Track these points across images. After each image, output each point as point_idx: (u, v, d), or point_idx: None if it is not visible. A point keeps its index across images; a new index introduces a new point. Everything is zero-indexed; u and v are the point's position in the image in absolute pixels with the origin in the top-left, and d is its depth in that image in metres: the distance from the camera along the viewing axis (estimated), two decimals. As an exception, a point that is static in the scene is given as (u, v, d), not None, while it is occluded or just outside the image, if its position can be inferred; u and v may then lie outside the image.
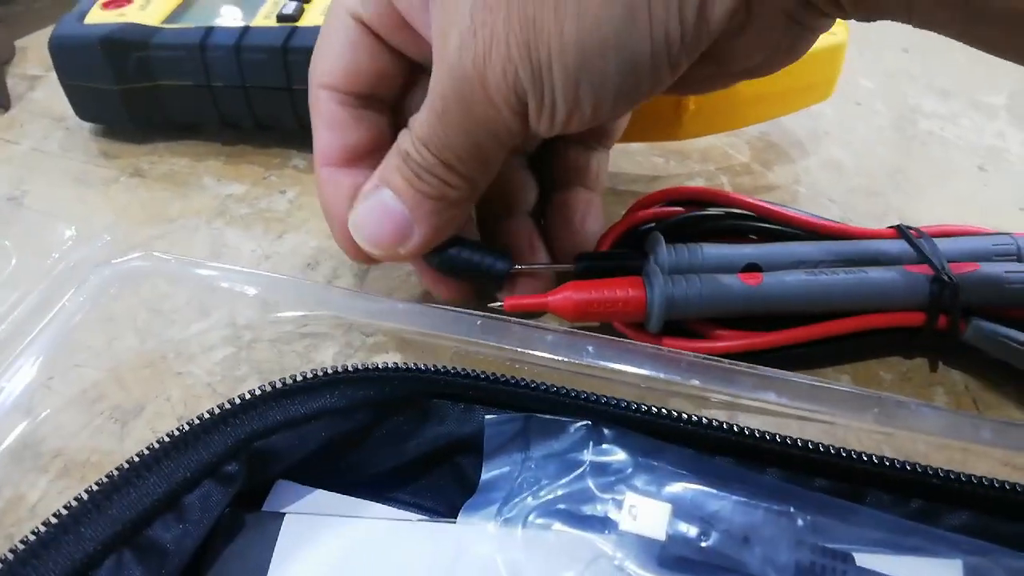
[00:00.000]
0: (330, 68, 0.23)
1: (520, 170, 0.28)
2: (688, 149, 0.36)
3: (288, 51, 0.32)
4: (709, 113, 0.32)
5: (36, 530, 0.17)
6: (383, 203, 0.22)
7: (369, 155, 0.24)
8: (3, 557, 0.17)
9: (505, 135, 0.20)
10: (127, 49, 0.32)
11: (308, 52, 0.31)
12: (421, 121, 0.21)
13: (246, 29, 0.32)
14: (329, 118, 0.24)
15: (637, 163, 0.36)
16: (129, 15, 0.33)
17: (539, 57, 0.18)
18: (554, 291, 0.25)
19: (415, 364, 0.21)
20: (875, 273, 0.25)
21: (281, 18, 0.32)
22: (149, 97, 0.33)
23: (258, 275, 0.24)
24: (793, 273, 0.25)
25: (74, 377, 0.25)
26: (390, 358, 0.26)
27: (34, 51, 0.41)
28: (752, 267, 0.26)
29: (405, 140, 0.22)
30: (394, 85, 0.24)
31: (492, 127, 0.20)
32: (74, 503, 0.17)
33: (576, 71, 0.18)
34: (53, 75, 0.34)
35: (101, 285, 0.23)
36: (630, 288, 0.25)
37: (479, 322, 0.23)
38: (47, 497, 0.23)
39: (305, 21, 0.32)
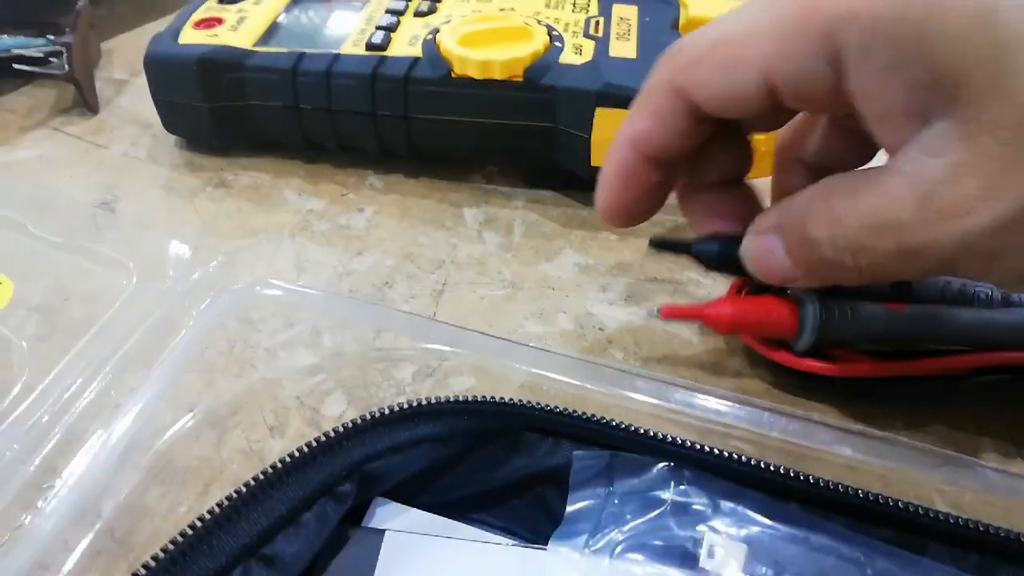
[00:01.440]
0: (699, 79, 0.22)
1: (741, 140, 0.27)
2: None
3: (376, 79, 0.33)
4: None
5: (175, 540, 0.19)
6: (773, 253, 0.22)
7: (670, 158, 0.24)
8: (145, 564, 0.18)
9: None
10: (221, 70, 0.34)
11: (394, 81, 0.33)
12: (859, 230, 0.20)
13: (336, 56, 0.34)
14: (661, 112, 0.23)
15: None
16: (222, 36, 0.34)
17: None
18: (711, 303, 0.26)
19: (511, 399, 0.22)
20: (1015, 313, 0.26)
21: (370, 47, 0.34)
22: (237, 115, 0.35)
23: (359, 305, 0.26)
24: (937, 306, 0.26)
25: (174, 384, 0.27)
26: (464, 381, 0.28)
27: (119, 55, 0.43)
28: (900, 289, 0.27)
29: (817, 226, 0.21)
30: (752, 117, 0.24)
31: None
32: (207, 516, 0.19)
33: None
34: (138, 80, 0.36)
35: (219, 311, 0.25)
36: (784, 310, 0.26)
37: (556, 359, 0.24)
38: (160, 501, 0.24)
39: (392, 50, 0.34)
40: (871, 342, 0.27)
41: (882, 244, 0.20)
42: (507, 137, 0.34)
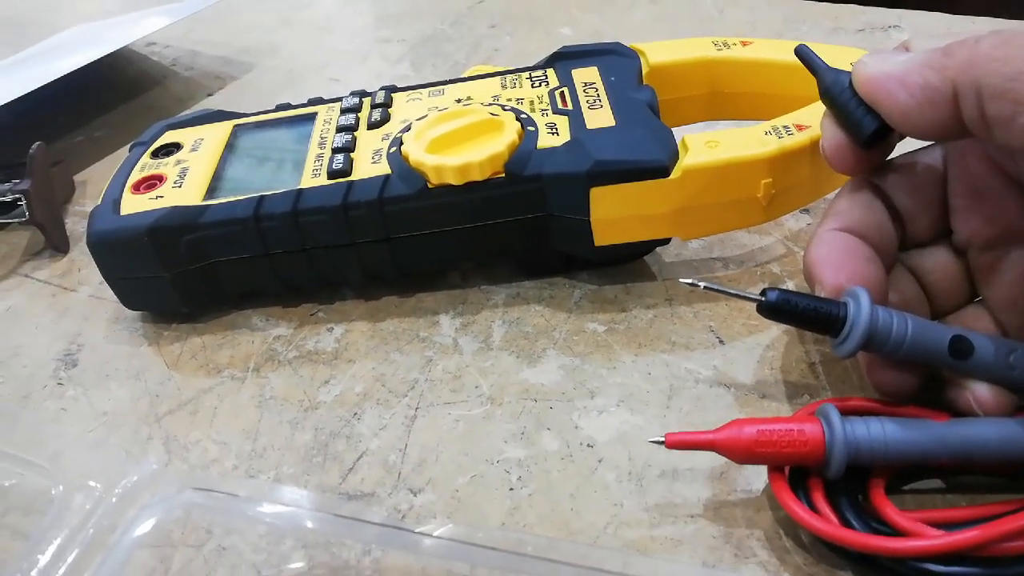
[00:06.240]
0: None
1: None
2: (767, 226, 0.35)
3: (348, 207, 0.30)
4: (793, 193, 0.31)
5: None
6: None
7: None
8: None
9: None
10: (177, 234, 0.31)
11: (369, 205, 0.30)
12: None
13: (300, 192, 0.31)
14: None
15: (736, 243, 0.35)
16: (168, 196, 0.32)
17: None
18: (720, 428, 0.24)
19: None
20: None
21: (333, 174, 0.31)
22: (203, 278, 0.32)
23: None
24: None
25: None
26: None
27: (94, 185, 0.42)
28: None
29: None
30: None
31: None
32: None
33: None
34: (110, 213, 0.34)
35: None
36: (805, 424, 0.23)
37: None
38: None
39: (358, 173, 0.31)
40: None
41: None
42: (499, 237, 0.32)
